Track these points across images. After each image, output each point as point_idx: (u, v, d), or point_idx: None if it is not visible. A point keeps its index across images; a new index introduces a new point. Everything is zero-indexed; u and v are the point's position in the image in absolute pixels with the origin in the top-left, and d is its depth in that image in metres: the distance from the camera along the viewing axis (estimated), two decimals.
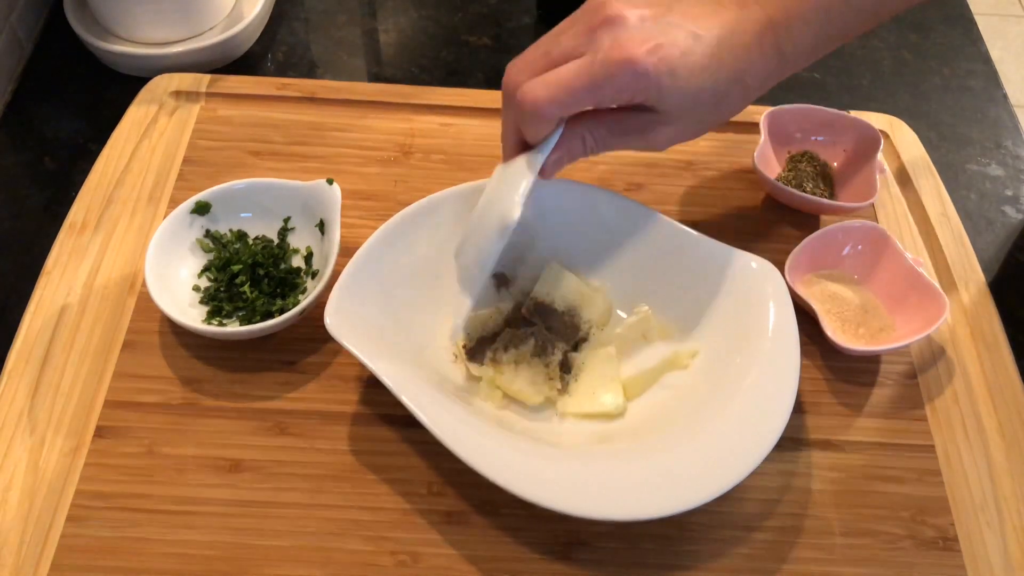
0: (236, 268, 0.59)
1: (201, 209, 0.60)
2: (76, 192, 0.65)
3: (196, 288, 0.59)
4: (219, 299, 0.58)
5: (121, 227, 0.63)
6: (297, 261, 0.61)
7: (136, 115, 0.69)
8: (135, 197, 0.65)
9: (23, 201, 0.67)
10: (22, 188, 0.68)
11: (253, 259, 0.59)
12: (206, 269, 0.60)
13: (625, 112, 0.51)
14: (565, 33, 0.50)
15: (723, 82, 0.49)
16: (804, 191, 0.65)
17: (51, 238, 0.62)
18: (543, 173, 0.52)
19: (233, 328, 0.55)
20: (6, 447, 0.53)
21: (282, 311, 0.57)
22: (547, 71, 0.48)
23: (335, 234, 0.58)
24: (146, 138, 0.68)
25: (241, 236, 0.61)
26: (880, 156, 0.65)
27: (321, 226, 0.60)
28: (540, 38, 0.51)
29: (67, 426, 0.54)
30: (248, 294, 0.58)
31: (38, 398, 0.55)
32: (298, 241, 0.61)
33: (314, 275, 0.60)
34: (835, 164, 0.68)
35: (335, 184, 0.59)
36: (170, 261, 0.58)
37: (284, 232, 0.62)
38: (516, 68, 0.50)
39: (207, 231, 0.61)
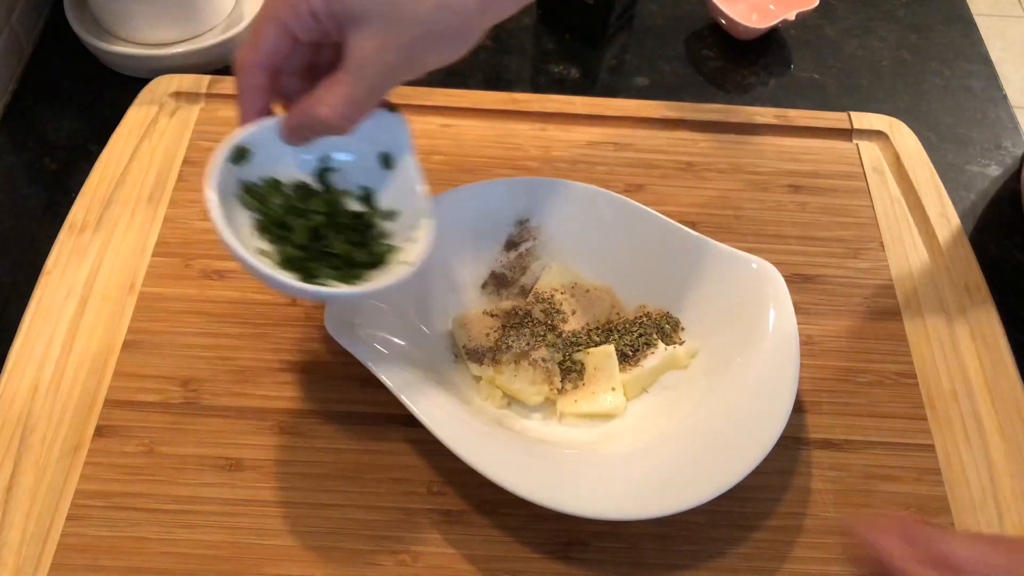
0: (316, 221, 0.49)
1: (238, 156, 0.48)
2: (76, 192, 0.65)
3: (262, 252, 0.47)
4: (303, 261, 0.48)
5: (121, 227, 0.63)
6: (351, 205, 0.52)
7: (136, 116, 0.69)
8: (135, 197, 0.65)
9: (23, 201, 0.68)
10: (22, 188, 0.68)
11: (326, 209, 0.50)
12: (262, 230, 0.49)
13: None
14: None
15: None
16: None
17: (51, 238, 0.62)
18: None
19: (370, 287, 0.47)
20: (6, 447, 0.53)
21: (372, 259, 0.49)
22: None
23: (411, 166, 0.50)
24: (146, 139, 0.68)
25: (276, 184, 0.50)
26: None
27: (386, 160, 0.51)
28: None
29: (67, 426, 0.54)
30: (336, 248, 0.49)
31: (38, 398, 0.55)
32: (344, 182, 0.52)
33: (386, 216, 0.51)
34: None
35: (399, 112, 0.50)
36: (235, 227, 0.46)
37: (325, 172, 0.51)
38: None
39: (244, 184, 0.49)
